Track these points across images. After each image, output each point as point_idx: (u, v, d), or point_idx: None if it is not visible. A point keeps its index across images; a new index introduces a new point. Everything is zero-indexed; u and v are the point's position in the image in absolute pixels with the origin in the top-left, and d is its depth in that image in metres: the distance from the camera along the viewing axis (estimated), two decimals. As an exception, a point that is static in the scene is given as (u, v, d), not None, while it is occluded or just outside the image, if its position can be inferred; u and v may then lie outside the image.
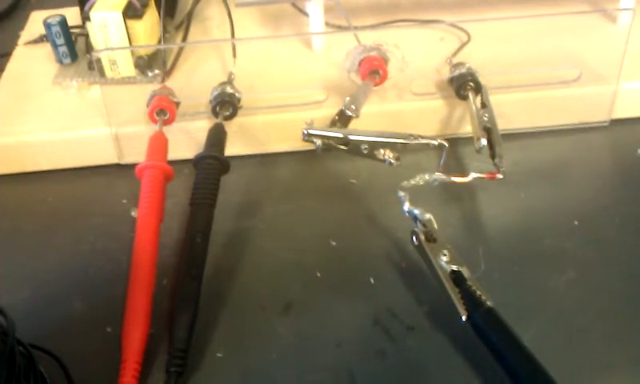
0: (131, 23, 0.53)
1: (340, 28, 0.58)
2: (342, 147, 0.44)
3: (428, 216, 0.42)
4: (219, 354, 0.41)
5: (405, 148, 0.45)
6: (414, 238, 0.41)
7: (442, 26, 0.58)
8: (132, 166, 0.47)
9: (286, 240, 0.47)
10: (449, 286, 0.39)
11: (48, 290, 0.45)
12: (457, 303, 0.39)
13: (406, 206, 0.42)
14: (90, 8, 0.53)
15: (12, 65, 0.60)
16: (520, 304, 0.42)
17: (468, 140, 0.50)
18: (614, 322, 0.41)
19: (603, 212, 0.48)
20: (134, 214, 0.48)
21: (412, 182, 0.43)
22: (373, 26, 0.59)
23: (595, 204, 0.49)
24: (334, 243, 0.46)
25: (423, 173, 0.44)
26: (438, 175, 0.44)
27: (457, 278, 0.40)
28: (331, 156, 0.51)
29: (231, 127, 0.50)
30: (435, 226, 0.42)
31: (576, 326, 0.41)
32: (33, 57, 0.60)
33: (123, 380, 0.38)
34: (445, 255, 0.40)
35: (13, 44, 0.63)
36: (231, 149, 0.50)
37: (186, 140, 0.51)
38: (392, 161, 0.44)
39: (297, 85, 0.54)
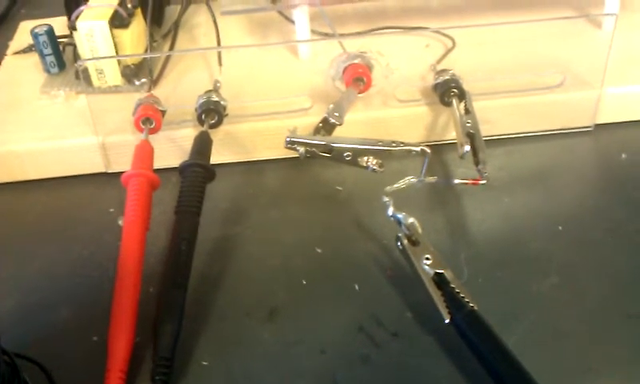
0: (118, 32, 0.53)
1: (325, 35, 0.58)
2: (325, 155, 0.45)
3: (411, 220, 0.42)
4: (204, 362, 0.41)
5: (389, 155, 0.45)
6: (399, 243, 0.42)
7: (427, 33, 0.59)
8: (119, 175, 0.47)
9: (272, 247, 0.47)
10: (431, 288, 0.40)
11: (34, 298, 0.45)
12: (439, 305, 0.39)
13: (390, 211, 0.43)
14: (77, 17, 0.53)
15: (0, 75, 0.60)
16: (504, 308, 0.42)
17: (453, 146, 0.51)
18: (598, 325, 0.41)
19: (588, 216, 0.48)
20: (120, 222, 0.48)
21: (395, 186, 0.43)
22: (358, 34, 0.59)
23: (580, 208, 0.49)
24: (319, 250, 0.46)
25: (406, 176, 0.45)
26: (422, 178, 0.44)
27: (440, 280, 0.40)
28: (317, 163, 0.51)
29: (217, 135, 0.51)
30: (419, 229, 0.42)
31: (560, 330, 0.41)
32: (21, 66, 0.60)
33: (108, 388, 0.38)
34: (428, 259, 0.40)
35: (1, 54, 0.63)
36: (217, 157, 0.50)
37: (173, 148, 0.52)
38: (375, 168, 0.44)
39: (283, 92, 0.54)
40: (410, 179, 0.44)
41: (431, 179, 0.45)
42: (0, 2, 0.79)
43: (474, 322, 0.38)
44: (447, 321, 0.38)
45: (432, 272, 0.40)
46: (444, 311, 0.39)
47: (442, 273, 0.40)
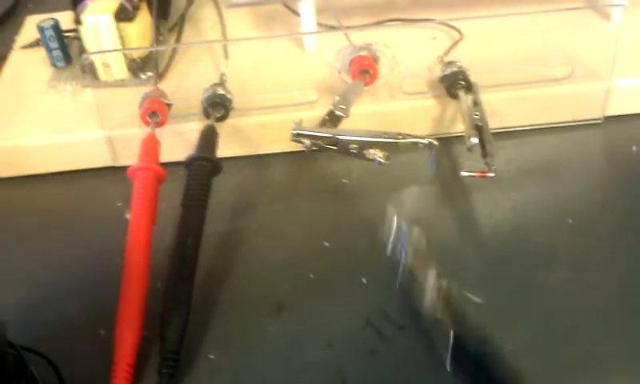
0: (123, 26, 0.53)
1: (331, 28, 0.58)
2: (331, 147, 0.44)
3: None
4: (211, 356, 0.41)
5: (395, 147, 0.45)
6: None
7: (435, 25, 0.58)
8: (126, 169, 0.47)
9: (279, 241, 0.47)
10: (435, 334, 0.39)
11: (42, 292, 0.45)
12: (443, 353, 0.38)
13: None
14: (82, 11, 0.53)
15: (7, 69, 0.60)
16: (513, 302, 0.42)
17: (461, 139, 0.50)
18: (607, 320, 0.41)
19: (597, 210, 0.48)
20: (127, 216, 0.48)
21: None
22: (364, 26, 0.59)
23: (589, 202, 0.48)
24: (326, 244, 0.46)
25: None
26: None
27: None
28: (323, 156, 0.51)
29: (223, 128, 0.50)
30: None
31: (569, 325, 0.41)
32: (28, 61, 0.61)
33: (115, 382, 0.38)
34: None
35: (9, 48, 0.63)
36: (224, 150, 0.50)
37: (179, 142, 0.52)
38: (381, 160, 0.44)
39: (289, 85, 0.54)
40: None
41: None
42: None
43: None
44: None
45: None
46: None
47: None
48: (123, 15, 0.53)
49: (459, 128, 0.52)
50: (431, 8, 0.61)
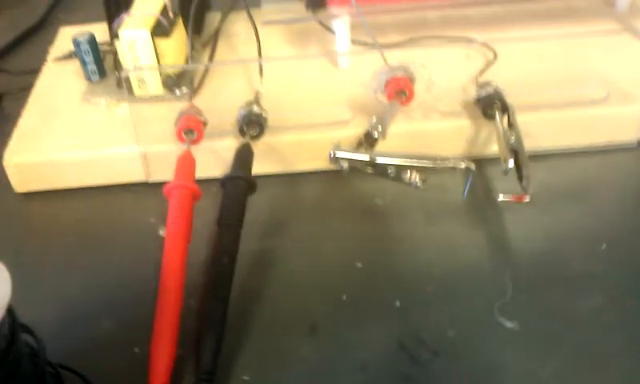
0: (159, 41, 0.53)
1: (366, 45, 0.58)
2: (369, 169, 0.44)
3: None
4: (245, 377, 0.41)
5: (432, 170, 0.45)
6: None
7: (468, 44, 0.58)
8: (159, 185, 0.48)
9: (312, 260, 0.47)
10: None
11: (76, 309, 0.46)
12: None
13: None
14: (119, 26, 0.53)
15: (41, 81, 0.61)
16: (547, 329, 0.42)
17: (494, 160, 0.50)
18: (642, 347, 0.41)
19: (632, 234, 0.47)
20: (161, 232, 0.48)
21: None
22: (398, 44, 0.59)
23: (624, 226, 0.48)
24: (359, 265, 0.46)
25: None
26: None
27: None
28: (356, 176, 0.51)
29: (257, 146, 0.51)
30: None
31: (603, 352, 0.41)
32: (62, 73, 0.61)
33: (150, 401, 0.38)
34: None
35: (42, 59, 0.64)
36: (257, 167, 0.50)
37: (213, 158, 0.52)
38: (419, 184, 0.44)
39: (322, 103, 0.54)
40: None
41: None
42: (38, 5, 0.80)
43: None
44: None
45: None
46: None
47: None
48: (160, 31, 0.53)
49: (492, 149, 0.52)
50: (463, 26, 0.61)
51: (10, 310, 0.34)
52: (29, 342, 0.37)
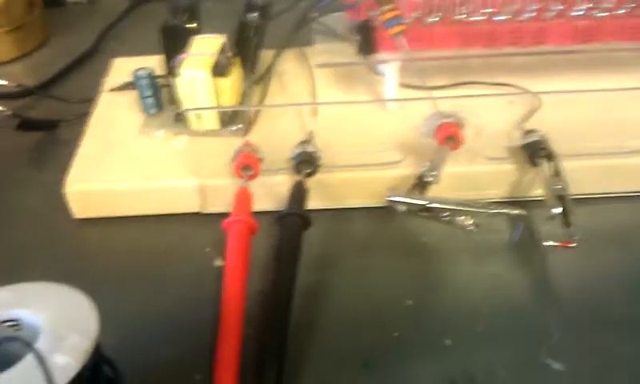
0: (218, 81, 0.55)
1: (413, 88, 0.60)
2: (424, 213, 0.46)
3: None
4: (302, 409, 0.42)
5: (483, 214, 0.46)
6: None
7: (513, 90, 0.60)
8: (214, 216, 0.49)
9: (362, 296, 0.49)
10: None
11: (134, 336, 0.47)
12: None
13: None
14: (179, 65, 0.55)
15: (99, 110, 0.63)
16: (592, 371, 0.43)
17: (538, 202, 0.52)
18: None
19: (674, 280, 0.49)
20: (217, 263, 0.50)
21: None
22: (445, 86, 0.61)
23: (666, 272, 0.50)
24: (409, 302, 0.48)
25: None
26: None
27: None
28: (403, 214, 0.53)
29: (309, 182, 0.52)
30: None
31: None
32: (118, 103, 0.64)
33: (213, 429, 0.40)
34: None
35: (94, 88, 0.66)
36: (308, 202, 0.52)
37: (266, 193, 0.54)
38: (472, 228, 0.46)
39: (371, 143, 0.56)
40: None
41: None
42: (87, 33, 0.83)
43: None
44: None
45: None
46: None
47: None
48: (218, 70, 0.55)
49: (537, 192, 0.54)
50: (505, 71, 0.62)
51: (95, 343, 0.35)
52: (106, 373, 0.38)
